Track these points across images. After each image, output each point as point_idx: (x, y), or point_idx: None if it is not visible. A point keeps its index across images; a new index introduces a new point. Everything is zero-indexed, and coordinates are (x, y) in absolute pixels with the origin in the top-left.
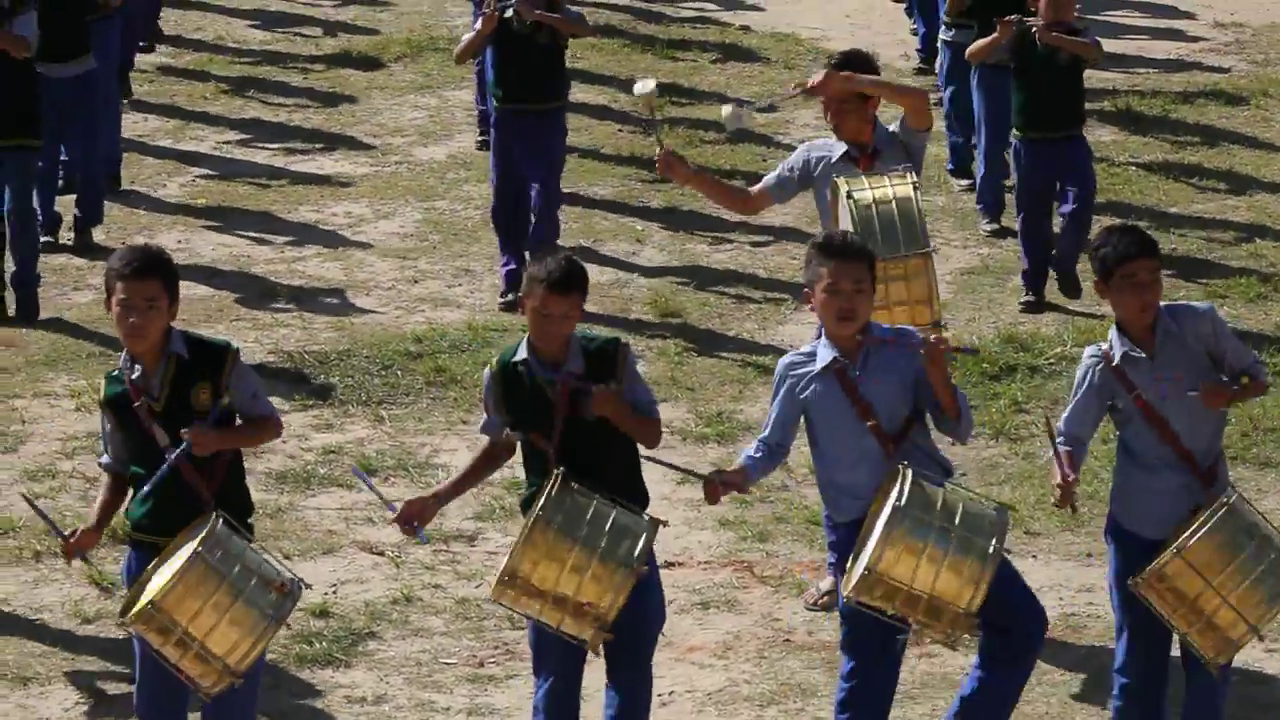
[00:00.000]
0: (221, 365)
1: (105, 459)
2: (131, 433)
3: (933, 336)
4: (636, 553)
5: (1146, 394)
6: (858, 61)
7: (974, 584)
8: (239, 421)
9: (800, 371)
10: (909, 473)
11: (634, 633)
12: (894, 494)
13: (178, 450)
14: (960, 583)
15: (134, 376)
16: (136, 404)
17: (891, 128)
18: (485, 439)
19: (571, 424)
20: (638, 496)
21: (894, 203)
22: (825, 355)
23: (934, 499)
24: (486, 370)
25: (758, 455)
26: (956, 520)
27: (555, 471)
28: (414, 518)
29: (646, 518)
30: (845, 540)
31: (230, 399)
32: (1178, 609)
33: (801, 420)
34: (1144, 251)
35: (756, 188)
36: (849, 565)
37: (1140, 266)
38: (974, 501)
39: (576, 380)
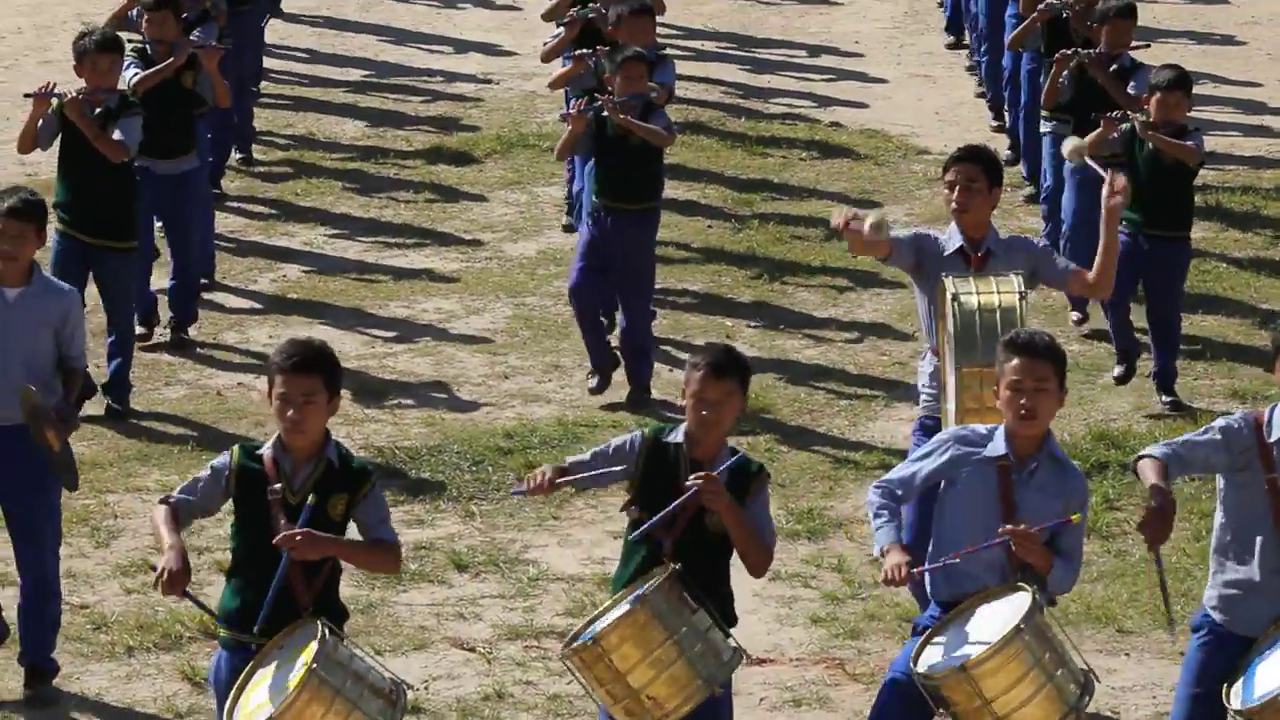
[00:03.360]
0: (360, 487)
1: (175, 496)
2: (249, 513)
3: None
4: (719, 675)
5: None
6: (985, 157)
7: None
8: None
9: (969, 449)
10: (1038, 598)
11: None
12: (1019, 608)
13: (282, 563)
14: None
15: (282, 464)
16: (273, 487)
17: (1033, 242)
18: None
19: (694, 524)
20: (731, 619)
21: (998, 311)
22: (999, 447)
23: (1047, 636)
24: (640, 431)
25: (893, 521)
26: (1060, 663)
27: (672, 566)
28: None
29: (733, 644)
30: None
31: (354, 521)
32: None
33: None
34: None
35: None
36: (927, 639)
37: None
38: (1073, 653)
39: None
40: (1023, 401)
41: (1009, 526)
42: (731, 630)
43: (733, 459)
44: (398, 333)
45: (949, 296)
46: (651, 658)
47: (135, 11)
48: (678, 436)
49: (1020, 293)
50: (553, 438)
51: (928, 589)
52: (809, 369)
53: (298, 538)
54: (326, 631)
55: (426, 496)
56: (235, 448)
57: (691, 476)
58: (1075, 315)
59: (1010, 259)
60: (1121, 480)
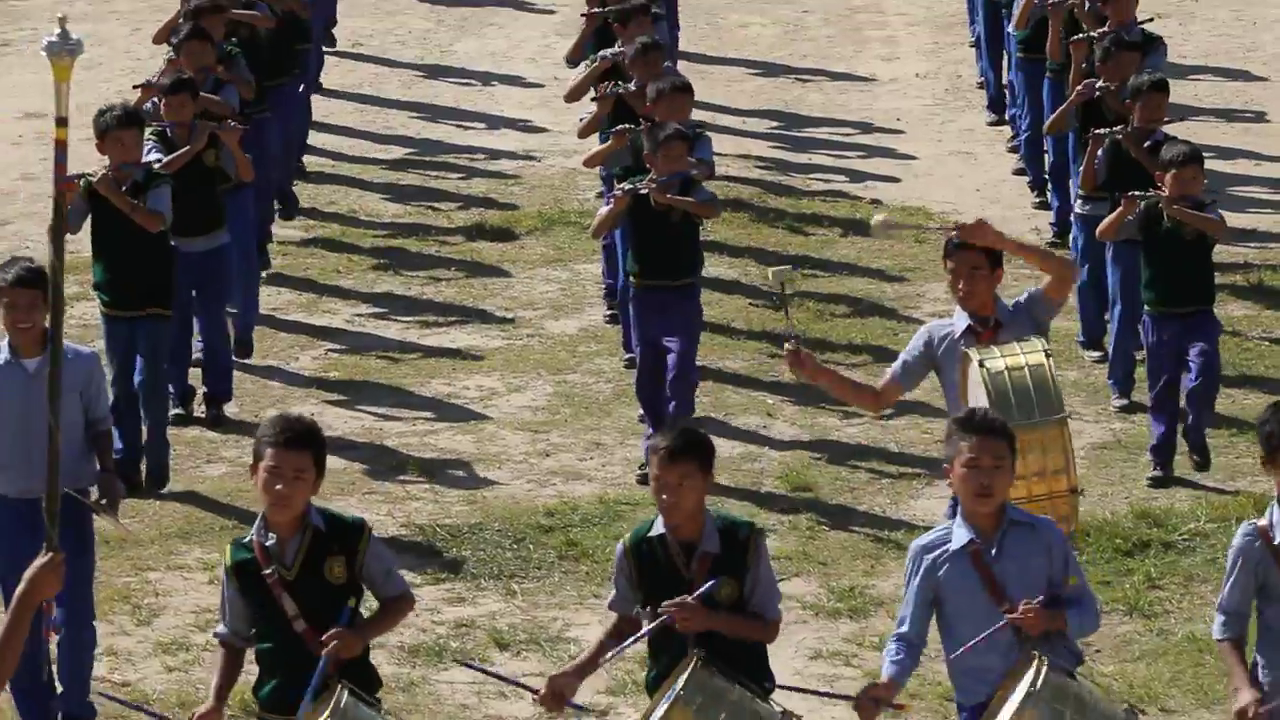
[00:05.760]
0: (357, 542)
1: (222, 629)
2: (257, 601)
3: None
4: None
5: None
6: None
7: None
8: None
9: (935, 553)
10: (1045, 660)
11: None
12: (1028, 679)
13: (324, 660)
14: None
15: (268, 544)
16: (267, 571)
17: (1019, 299)
18: (613, 615)
19: (706, 604)
20: (768, 678)
21: (1026, 369)
22: (961, 536)
23: (1067, 690)
24: (619, 545)
25: (900, 657)
26: (1087, 715)
27: (694, 653)
28: (563, 697)
29: (779, 710)
30: None
31: (363, 581)
32: None
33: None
34: None
35: (883, 381)
36: None
37: None
38: (1104, 700)
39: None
40: (982, 480)
41: (1010, 615)
42: (773, 690)
43: (721, 528)
44: (438, 410)
45: (975, 363)
46: None
47: (149, 105)
48: (659, 528)
49: (1045, 350)
50: (594, 516)
51: (960, 697)
52: (850, 447)
53: (336, 641)
54: (345, 694)
55: (467, 574)
56: (226, 547)
57: (665, 603)
58: (1120, 401)
59: (1017, 322)
60: (1164, 559)
